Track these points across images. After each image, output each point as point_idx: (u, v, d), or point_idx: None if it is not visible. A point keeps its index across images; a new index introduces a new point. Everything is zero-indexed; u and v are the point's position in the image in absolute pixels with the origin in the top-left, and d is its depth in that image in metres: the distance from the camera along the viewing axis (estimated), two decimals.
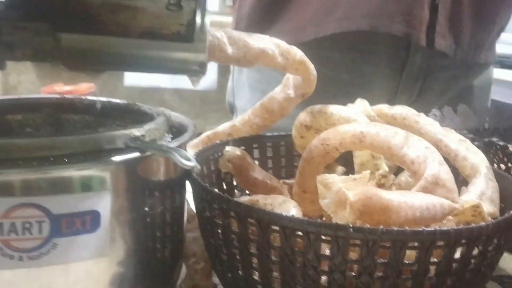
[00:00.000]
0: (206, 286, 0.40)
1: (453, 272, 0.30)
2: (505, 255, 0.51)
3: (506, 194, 0.39)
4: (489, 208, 0.37)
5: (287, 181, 0.49)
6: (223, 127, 0.50)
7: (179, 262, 0.38)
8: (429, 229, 0.28)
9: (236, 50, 0.38)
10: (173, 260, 0.37)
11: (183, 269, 0.41)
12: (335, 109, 0.42)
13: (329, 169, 0.47)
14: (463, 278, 0.31)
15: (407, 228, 0.28)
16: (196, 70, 0.35)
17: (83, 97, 0.39)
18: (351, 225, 0.28)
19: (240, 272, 0.34)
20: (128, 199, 0.31)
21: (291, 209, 0.36)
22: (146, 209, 0.32)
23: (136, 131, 0.30)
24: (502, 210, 0.38)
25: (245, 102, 0.90)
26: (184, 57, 0.34)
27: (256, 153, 0.50)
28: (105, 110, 0.39)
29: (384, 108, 0.48)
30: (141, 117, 0.38)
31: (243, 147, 0.49)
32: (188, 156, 0.28)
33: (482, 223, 0.29)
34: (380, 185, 0.36)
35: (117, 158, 0.29)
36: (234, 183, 0.48)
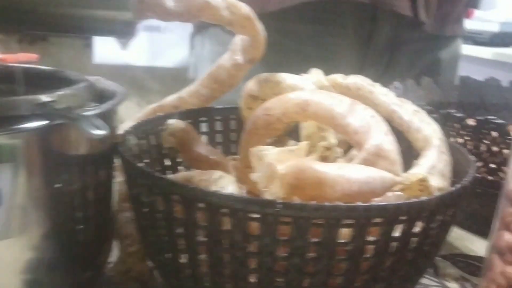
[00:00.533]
0: (140, 271, 0.37)
1: (393, 252, 0.28)
2: (458, 231, 0.50)
3: (459, 168, 0.37)
4: (439, 182, 0.35)
5: (237, 157, 0.46)
6: (169, 99, 0.47)
7: (106, 245, 0.36)
8: (365, 204, 0.26)
9: (178, 3, 0.35)
10: (97, 243, 0.34)
11: (116, 253, 0.38)
12: (282, 77, 0.39)
13: (279, 143, 0.45)
14: (404, 258, 0.29)
15: (341, 203, 0.26)
16: (123, 31, 0.32)
17: (2, 64, 0.36)
18: (280, 201, 0.25)
19: (167, 255, 0.31)
20: (37, 174, 0.27)
21: (228, 185, 0.33)
22: (61, 186, 0.29)
23: (44, 97, 0.27)
24: (453, 184, 0.36)
25: None
26: (107, 16, 0.31)
27: (204, 127, 0.47)
28: (27, 77, 0.36)
29: (338, 78, 0.45)
30: (66, 85, 0.35)
31: (189, 121, 0.46)
32: (99, 125, 0.25)
33: (424, 198, 0.27)
34: (324, 158, 0.33)
35: (18, 126, 0.25)
36: (179, 159, 0.45)
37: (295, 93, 0.34)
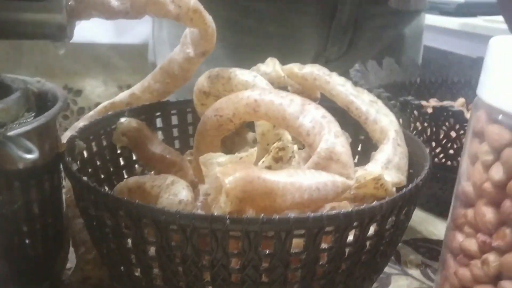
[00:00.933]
0: (99, 277, 0.37)
1: (347, 256, 0.27)
2: (420, 214, 0.50)
3: (415, 158, 0.37)
4: (394, 177, 0.34)
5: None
6: (121, 96, 0.45)
7: (61, 254, 0.34)
8: (315, 214, 0.25)
9: (121, 1, 0.33)
10: (50, 254, 0.33)
11: (73, 259, 0.37)
12: (233, 74, 0.38)
13: (238, 135, 0.44)
14: (360, 260, 0.28)
15: (291, 215, 0.25)
16: (56, 34, 0.30)
17: None
18: (228, 216, 0.25)
19: (121, 268, 0.30)
20: None
21: (180, 190, 0.32)
22: (2, 204, 0.27)
23: None
24: (410, 176, 0.36)
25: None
26: (37, 19, 0.29)
27: (159, 122, 0.46)
28: None
29: (295, 67, 0.44)
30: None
31: (143, 116, 0.44)
32: (29, 147, 0.24)
33: (375, 203, 0.26)
34: (278, 159, 0.32)
35: None
36: (134, 157, 0.44)
37: (245, 93, 0.33)
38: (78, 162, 0.35)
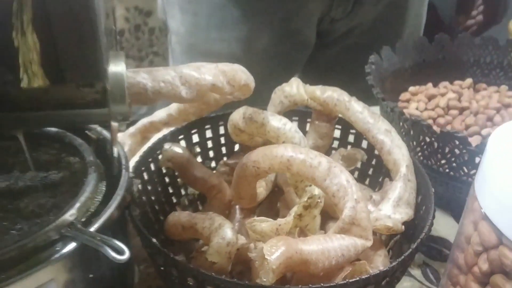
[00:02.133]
0: (159, 286, 0.45)
1: None
2: None
3: (422, 189, 0.43)
4: (404, 214, 0.41)
5: (228, 161, 0.51)
6: (159, 116, 0.50)
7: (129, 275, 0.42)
8: (342, 283, 0.32)
9: (189, 90, 0.38)
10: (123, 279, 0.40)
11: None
12: (265, 119, 0.43)
13: None
14: None
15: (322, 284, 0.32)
16: (119, 121, 0.35)
17: None
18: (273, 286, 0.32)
19: None
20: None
21: (227, 233, 0.39)
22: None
23: (69, 216, 0.31)
24: (418, 205, 0.43)
25: (177, 24, 0.89)
26: (103, 113, 0.34)
27: (195, 137, 0.52)
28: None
29: (317, 91, 0.49)
30: (71, 150, 0.39)
31: (182, 136, 0.50)
32: (121, 248, 0.30)
33: (370, 273, 0.33)
34: (307, 207, 0.39)
35: (56, 256, 0.30)
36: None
37: (279, 151, 0.39)
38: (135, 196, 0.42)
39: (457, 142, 0.48)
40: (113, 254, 0.30)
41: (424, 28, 0.92)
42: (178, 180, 0.50)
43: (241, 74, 0.43)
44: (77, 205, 0.32)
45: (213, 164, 0.53)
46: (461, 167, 0.50)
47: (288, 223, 0.35)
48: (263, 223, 0.35)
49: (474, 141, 0.58)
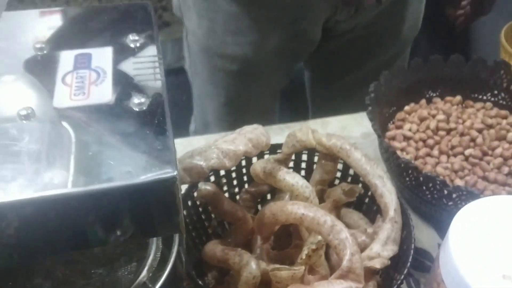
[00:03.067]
0: None
1: None
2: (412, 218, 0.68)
3: (405, 227, 0.54)
4: (390, 251, 0.52)
5: (249, 189, 0.63)
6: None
7: None
8: None
9: (230, 160, 0.49)
10: None
11: None
12: (282, 176, 0.53)
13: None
14: None
15: None
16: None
17: None
18: None
19: None
20: None
21: (253, 269, 0.51)
22: None
23: (142, 277, 0.43)
24: (402, 241, 0.54)
25: (194, 26, 0.97)
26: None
27: (222, 171, 0.62)
28: None
29: (323, 138, 0.59)
30: None
31: (211, 172, 0.61)
32: None
33: None
34: (311, 257, 0.50)
35: None
36: None
37: (294, 208, 0.49)
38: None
39: (437, 183, 0.58)
40: None
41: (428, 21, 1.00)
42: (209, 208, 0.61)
43: (263, 138, 0.53)
44: (146, 267, 0.44)
45: (236, 189, 0.64)
46: (441, 199, 0.60)
47: (300, 272, 0.47)
48: (282, 271, 0.47)
49: (457, 162, 0.69)
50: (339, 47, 1.04)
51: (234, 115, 1.07)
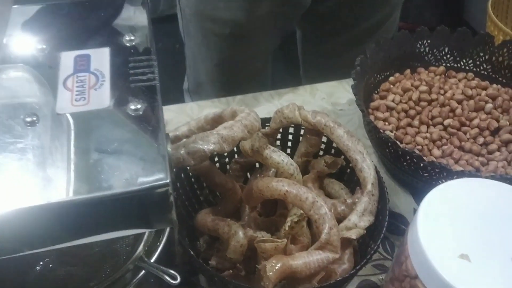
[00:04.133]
0: None
1: None
2: (391, 185, 0.73)
3: (381, 199, 0.59)
4: (366, 221, 0.57)
5: (238, 160, 0.67)
6: (182, 130, 0.64)
7: None
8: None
9: (228, 145, 0.52)
10: None
11: None
12: (269, 154, 0.57)
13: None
14: None
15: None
16: None
17: None
18: None
19: None
20: None
21: (241, 238, 0.56)
22: None
23: (138, 252, 0.48)
24: (378, 212, 0.59)
25: (189, 3, 0.98)
26: None
27: None
28: None
29: (308, 115, 0.62)
30: None
31: None
32: (174, 275, 0.47)
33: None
34: (293, 227, 0.55)
35: (134, 281, 0.47)
36: None
37: (279, 185, 0.54)
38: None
39: (414, 157, 0.62)
40: (169, 280, 0.47)
41: None
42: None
43: (256, 123, 0.57)
44: (142, 243, 0.49)
45: (226, 160, 0.68)
46: (418, 171, 0.65)
47: (283, 244, 0.52)
48: (267, 243, 0.52)
49: (435, 132, 0.73)
50: (330, 8, 1.05)
51: (227, 77, 1.09)
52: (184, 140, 0.55)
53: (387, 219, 0.57)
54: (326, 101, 0.86)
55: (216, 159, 0.67)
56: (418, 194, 0.73)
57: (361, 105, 0.67)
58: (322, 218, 0.52)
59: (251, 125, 0.56)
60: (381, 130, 0.66)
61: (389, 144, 0.64)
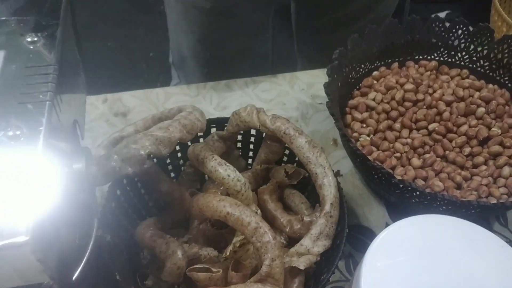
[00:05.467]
0: None
1: None
2: (364, 194, 0.66)
3: (341, 221, 0.52)
4: (321, 247, 0.51)
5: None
6: (128, 131, 0.58)
7: None
8: None
9: (166, 148, 0.47)
10: None
11: None
12: (214, 168, 0.50)
13: (228, 154, 0.59)
14: None
15: None
16: None
17: None
18: None
19: None
20: None
21: (178, 260, 0.50)
22: None
23: None
24: (336, 236, 0.52)
25: None
26: None
27: None
28: None
29: (267, 121, 0.55)
30: None
31: None
32: None
33: None
34: (237, 251, 0.49)
35: None
36: None
37: (220, 206, 0.48)
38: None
39: (384, 174, 0.55)
40: None
41: None
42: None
43: (197, 123, 0.50)
44: None
45: (180, 161, 0.62)
46: (389, 186, 0.58)
47: (218, 274, 0.46)
48: (200, 273, 0.46)
49: (418, 138, 0.65)
50: None
51: (210, 52, 1.02)
52: (117, 146, 0.49)
53: (344, 244, 0.50)
54: (305, 93, 0.78)
55: (168, 160, 0.61)
56: (391, 207, 0.66)
57: (331, 108, 0.59)
58: (264, 246, 0.46)
59: (191, 124, 0.49)
60: (352, 139, 0.59)
61: (360, 157, 0.57)
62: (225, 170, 0.51)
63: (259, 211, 0.53)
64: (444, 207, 0.55)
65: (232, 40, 1.01)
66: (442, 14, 2.25)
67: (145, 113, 0.74)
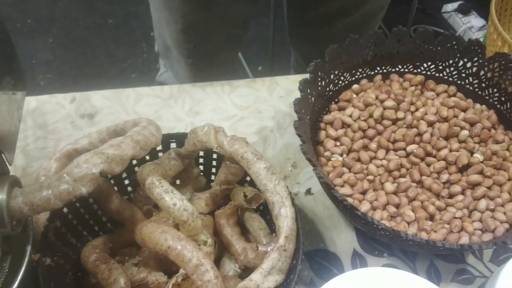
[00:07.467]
0: None
1: None
2: (334, 215, 0.63)
3: (296, 254, 0.49)
4: (272, 282, 0.48)
5: None
6: (82, 143, 0.55)
7: None
8: None
9: (118, 165, 0.45)
10: None
11: None
12: (160, 195, 0.47)
13: (186, 172, 0.56)
14: None
15: None
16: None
17: None
18: None
19: None
20: None
21: (120, 284, 0.47)
22: None
23: None
24: (290, 270, 0.49)
25: None
26: None
27: None
28: None
29: (225, 142, 0.52)
30: None
31: None
32: None
33: None
34: (184, 278, 0.46)
35: None
36: None
37: (162, 238, 0.45)
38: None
39: (348, 206, 0.52)
40: None
41: None
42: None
43: (152, 138, 0.48)
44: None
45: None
46: (354, 217, 0.54)
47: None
48: None
49: (394, 160, 0.61)
50: None
51: (193, 43, 0.98)
52: (68, 167, 0.45)
53: (295, 280, 0.47)
54: (283, 101, 0.74)
55: (125, 175, 0.58)
56: (360, 232, 0.63)
57: (298, 129, 0.55)
58: (205, 286, 0.43)
59: (145, 140, 0.47)
60: (316, 163, 0.55)
61: (323, 183, 0.53)
62: (171, 199, 0.47)
63: (209, 240, 0.50)
64: (410, 242, 0.52)
65: (216, 31, 0.97)
66: (455, 5, 2.16)
67: (112, 116, 0.71)
